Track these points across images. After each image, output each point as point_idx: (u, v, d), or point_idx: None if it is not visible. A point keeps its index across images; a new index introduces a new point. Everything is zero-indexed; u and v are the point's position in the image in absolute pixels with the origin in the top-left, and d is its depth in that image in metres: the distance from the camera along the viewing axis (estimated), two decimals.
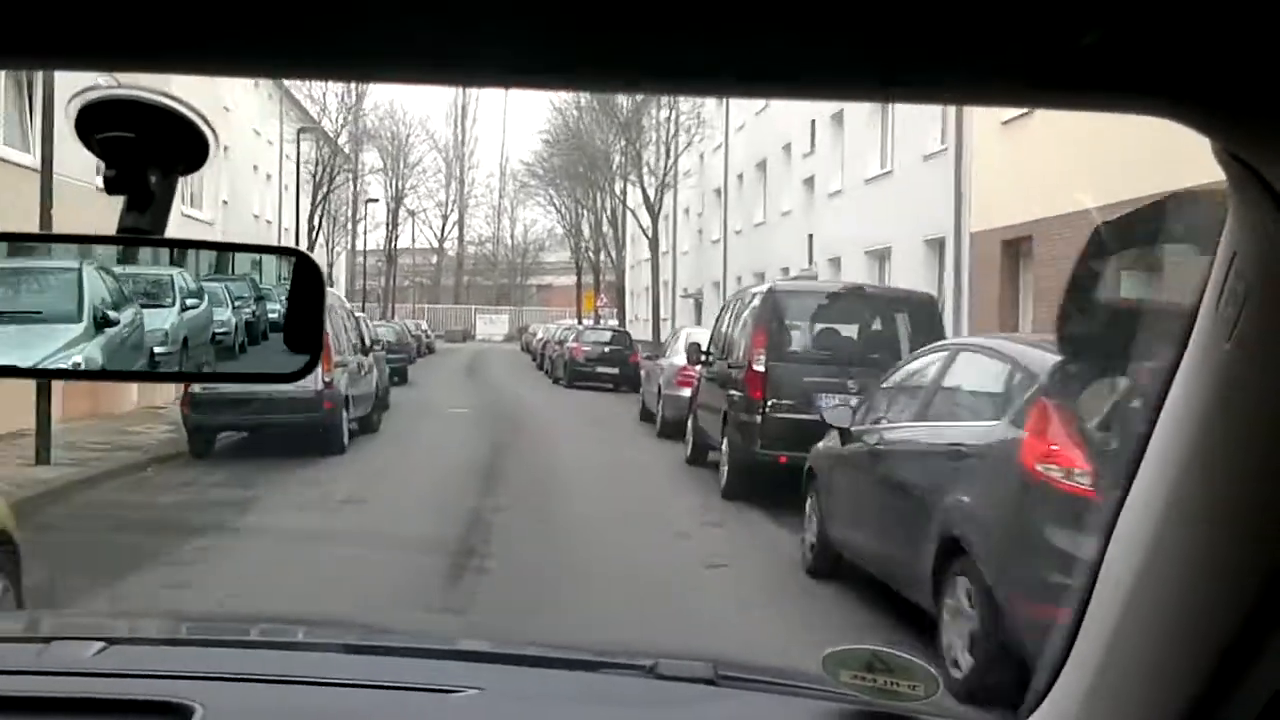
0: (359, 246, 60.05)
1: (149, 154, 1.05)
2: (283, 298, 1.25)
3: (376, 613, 5.11)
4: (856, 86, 0.94)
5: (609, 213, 49.27)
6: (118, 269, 1.32)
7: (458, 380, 35.20)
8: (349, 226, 55.01)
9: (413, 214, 73.26)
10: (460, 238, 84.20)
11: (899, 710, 1.62)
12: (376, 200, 61.46)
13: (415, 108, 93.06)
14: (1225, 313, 1.05)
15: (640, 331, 39.57)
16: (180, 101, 1.06)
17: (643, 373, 23.69)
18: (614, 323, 47.13)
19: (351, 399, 15.75)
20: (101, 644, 1.84)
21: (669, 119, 36.45)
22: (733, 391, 12.69)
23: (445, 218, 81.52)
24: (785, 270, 33.25)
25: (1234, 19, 0.78)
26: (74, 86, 1.16)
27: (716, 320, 15.48)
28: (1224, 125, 0.92)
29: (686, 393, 17.11)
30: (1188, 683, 1.12)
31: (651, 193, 38.14)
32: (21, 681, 1.70)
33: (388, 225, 66.98)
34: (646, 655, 1.92)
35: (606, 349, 32.15)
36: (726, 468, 12.69)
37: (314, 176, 43.16)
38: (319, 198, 43.39)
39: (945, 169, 20.75)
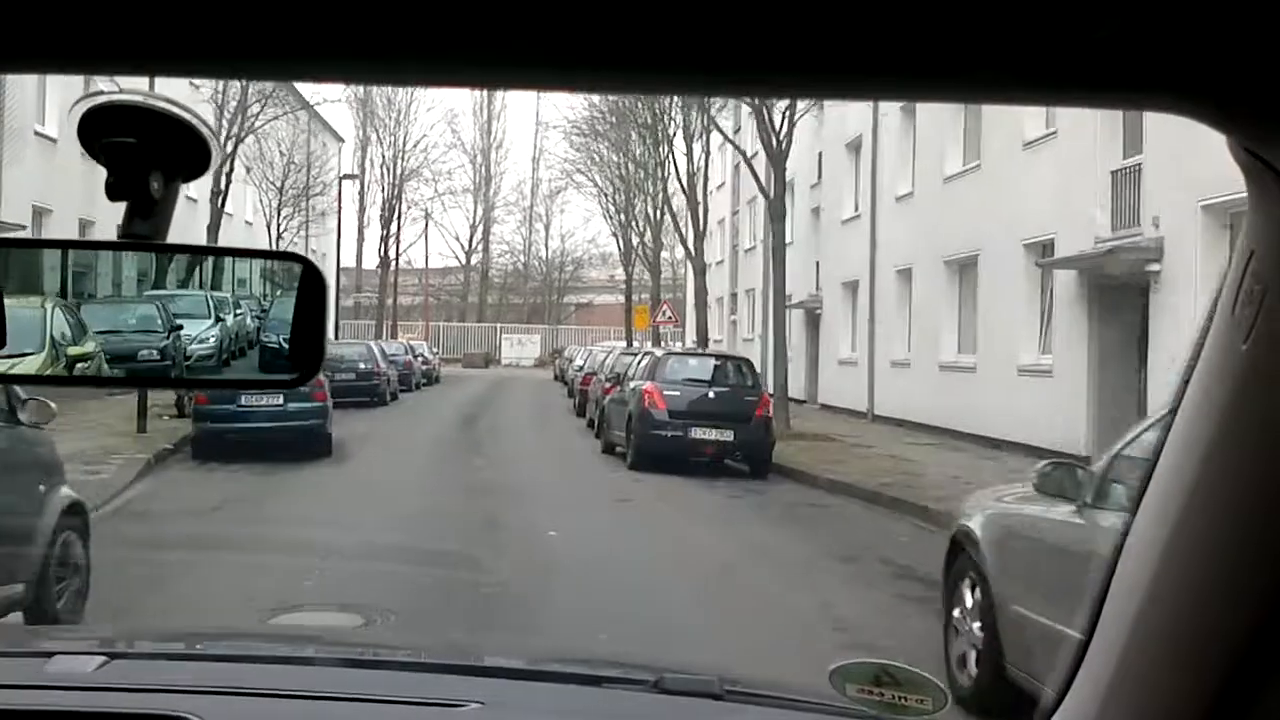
0: (341, 244, 44.77)
1: (151, 160, 1.04)
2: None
3: (377, 630, 4.93)
4: (861, 85, 0.92)
5: (683, 180, 33.71)
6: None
7: (434, 447, 19.69)
8: (309, 208, 39.35)
9: (415, 205, 57.96)
10: (485, 246, 69.89)
11: None
12: (357, 176, 46.24)
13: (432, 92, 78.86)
14: (1242, 314, 1.02)
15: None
16: (182, 107, 1.05)
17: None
18: (677, 344, 32.67)
19: None
20: (103, 658, 1.89)
21: None
22: None
23: (474, 228, 67.07)
24: (1045, 248, 18.26)
25: (1247, 14, 0.76)
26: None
27: None
28: (1239, 121, 0.89)
29: None
30: (1204, 694, 1.09)
31: (777, 120, 22.01)
32: (24, 695, 1.72)
33: (382, 220, 51.62)
34: (650, 669, 1.91)
35: (710, 392, 16.92)
36: None
37: (220, 116, 27.79)
38: (225, 156, 27.79)
39: None
